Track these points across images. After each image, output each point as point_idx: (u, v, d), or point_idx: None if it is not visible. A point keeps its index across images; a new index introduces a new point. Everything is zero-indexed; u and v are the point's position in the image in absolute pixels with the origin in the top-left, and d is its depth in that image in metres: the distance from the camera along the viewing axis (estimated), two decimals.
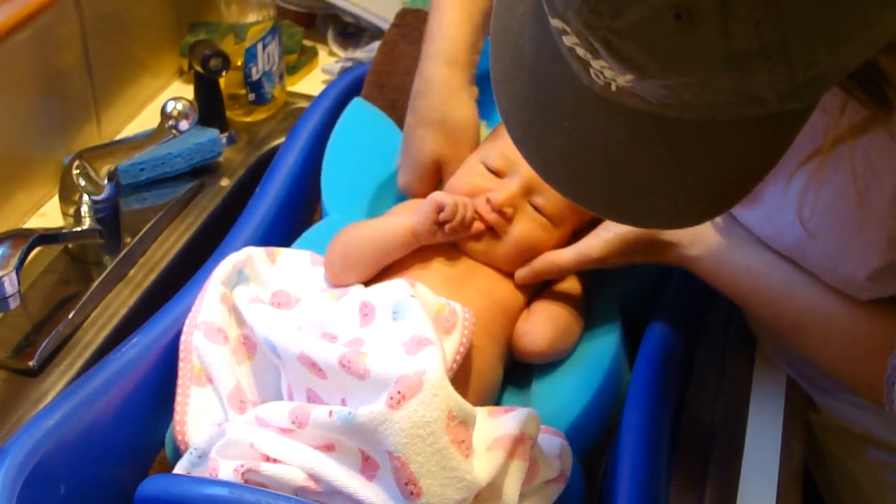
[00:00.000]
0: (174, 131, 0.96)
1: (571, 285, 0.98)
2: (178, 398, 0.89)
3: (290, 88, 1.37)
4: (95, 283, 1.03)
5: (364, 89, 1.20)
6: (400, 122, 1.10)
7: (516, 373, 0.95)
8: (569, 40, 0.56)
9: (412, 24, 1.22)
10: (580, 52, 0.56)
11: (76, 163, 1.00)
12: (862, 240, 0.79)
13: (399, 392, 0.74)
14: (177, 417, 0.88)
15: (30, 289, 1.02)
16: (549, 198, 0.96)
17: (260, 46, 1.25)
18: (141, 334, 0.91)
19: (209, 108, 1.23)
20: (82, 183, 1.01)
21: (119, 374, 0.88)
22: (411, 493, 0.74)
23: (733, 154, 0.59)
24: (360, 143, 1.12)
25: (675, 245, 0.90)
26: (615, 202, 0.63)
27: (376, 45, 1.28)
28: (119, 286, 1.06)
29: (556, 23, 0.56)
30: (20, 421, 0.89)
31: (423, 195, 0.99)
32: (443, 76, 1.04)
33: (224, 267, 0.95)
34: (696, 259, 0.90)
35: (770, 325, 0.95)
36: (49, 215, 1.13)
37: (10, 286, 0.90)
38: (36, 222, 1.13)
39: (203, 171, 1.20)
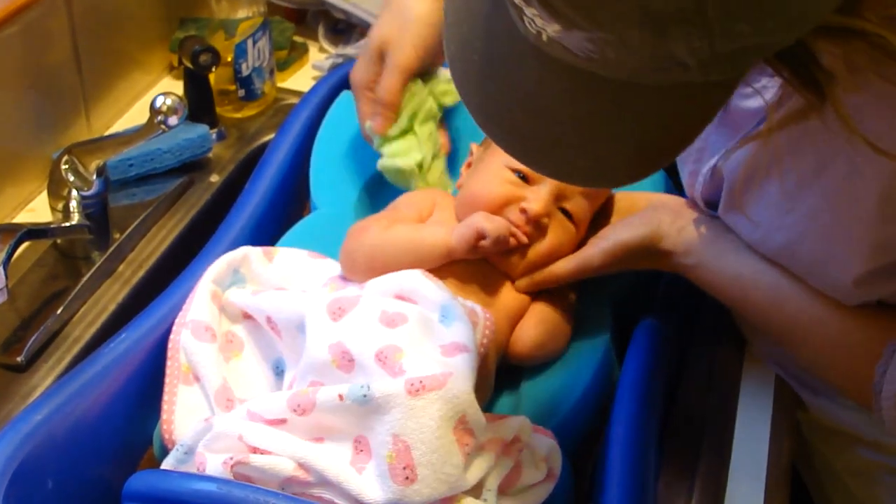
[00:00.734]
0: (163, 127, 0.96)
1: (564, 288, 0.98)
2: (166, 396, 0.89)
3: (281, 84, 1.36)
4: (84, 279, 1.03)
5: None
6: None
7: (506, 371, 0.95)
8: None
9: None
10: None
11: (65, 158, 1.00)
12: (847, 245, 0.79)
13: (421, 382, 0.76)
14: (164, 416, 0.88)
15: (18, 284, 1.02)
16: (577, 201, 0.95)
17: (250, 42, 1.25)
18: (129, 330, 0.91)
19: (199, 103, 1.22)
20: (71, 178, 1.01)
21: (107, 370, 0.88)
22: (406, 479, 0.74)
23: (657, 119, 0.60)
24: (349, 137, 1.11)
25: (671, 254, 0.91)
26: (541, 153, 0.64)
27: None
28: (108, 282, 1.06)
29: None
30: (8, 416, 0.89)
31: (363, 83, 1.01)
32: None
33: (218, 265, 0.95)
34: (691, 267, 0.91)
35: (761, 330, 0.96)
36: (38, 210, 1.13)
37: None
38: (24, 217, 1.12)
39: (192, 167, 1.20)
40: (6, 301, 0.93)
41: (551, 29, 0.56)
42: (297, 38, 1.43)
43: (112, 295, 1.04)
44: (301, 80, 1.39)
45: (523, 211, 0.93)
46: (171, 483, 0.76)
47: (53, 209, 1.03)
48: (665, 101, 0.58)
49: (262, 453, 0.77)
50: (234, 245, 1.01)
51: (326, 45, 1.44)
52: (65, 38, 1.16)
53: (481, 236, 0.90)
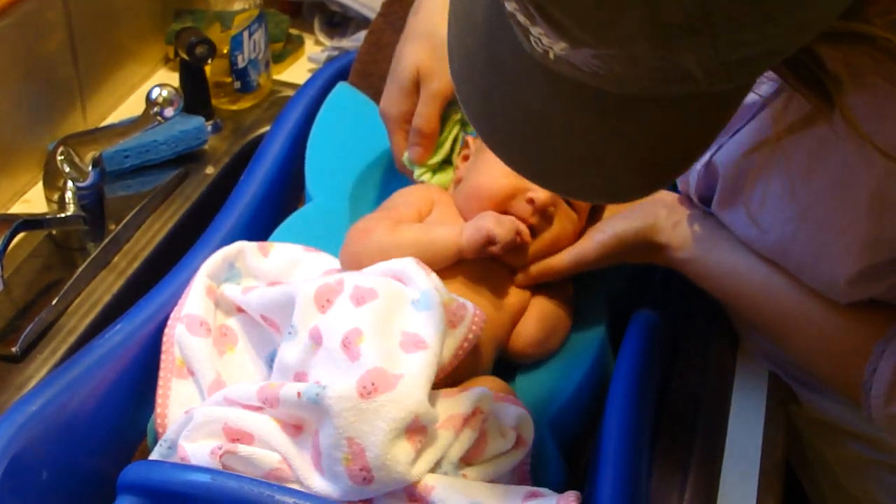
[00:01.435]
0: (159, 118, 0.96)
1: (562, 283, 0.98)
2: (160, 390, 0.89)
3: (276, 77, 1.36)
4: (79, 270, 1.03)
5: (350, 77, 1.20)
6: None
7: (502, 364, 0.95)
8: (510, 6, 0.56)
9: (398, 13, 1.22)
10: (520, 18, 0.56)
11: (60, 149, 1.00)
12: (839, 244, 0.79)
13: (373, 384, 0.75)
14: (158, 409, 0.88)
15: (13, 275, 1.02)
16: None
17: (246, 34, 1.25)
18: (124, 321, 0.91)
19: (195, 95, 1.22)
20: (67, 169, 1.01)
21: (102, 361, 0.88)
22: (364, 479, 0.75)
23: (666, 131, 0.59)
24: (345, 128, 1.11)
25: (666, 248, 0.92)
26: (550, 171, 0.63)
27: (363, 34, 1.28)
28: (103, 273, 1.06)
29: None
30: (3, 407, 0.88)
31: (399, 115, 0.99)
32: None
33: (213, 260, 0.95)
34: (685, 262, 0.91)
35: (754, 326, 0.97)
36: (33, 202, 1.13)
37: None
38: (19, 209, 1.12)
39: (188, 159, 1.20)
40: (1, 292, 0.93)
41: (558, 47, 0.55)
42: (293, 31, 1.43)
43: (107, 286, 1.04)
44: (297, 72, 1.39)
45: (530, 201, 0.93)
46: (165, 474, 0.76)
47: (49, 200, 1.03)
48: (673, 113, 0.58)
49: (245, 443, 0.78)
50: (230, 237, 1.01)
51: (322, 38, 1.44)
52: (61, 29, 1.16)
53: (491, 241, 0.90)
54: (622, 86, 0.56)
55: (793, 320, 0.87)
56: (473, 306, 0.87)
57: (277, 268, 0.97)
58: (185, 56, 1.19)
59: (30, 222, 0.96)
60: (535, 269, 0.96)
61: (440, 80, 0.99)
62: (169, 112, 0.96)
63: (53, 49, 1.16)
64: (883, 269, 0.78)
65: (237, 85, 1.28)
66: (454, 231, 0.92)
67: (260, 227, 1.05)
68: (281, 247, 0.99)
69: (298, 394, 0.77)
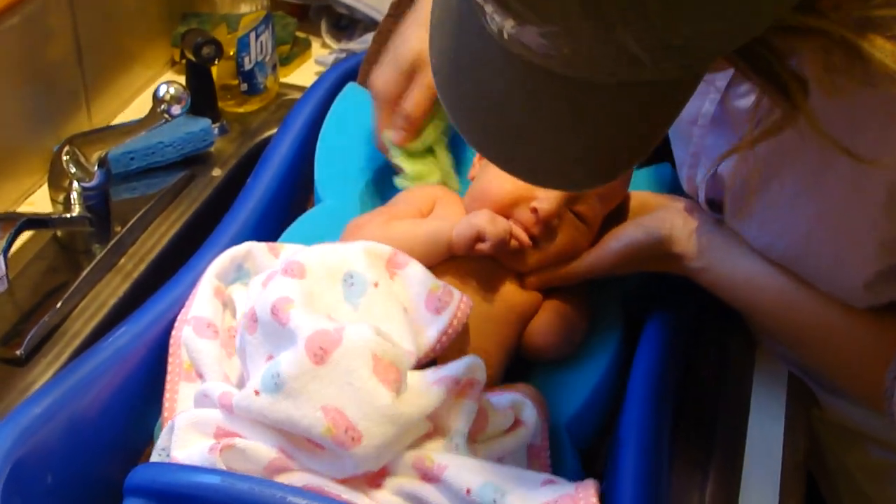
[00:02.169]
0: (166, 116, 0.94)
1: (576, 285, 0.96)
2: (167, 394, 0.87)
3: (283, 80, 1.35)
4: (85, 272, 1.01)
5: (358, 78, 1.17)
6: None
7: (518, 366, 0.93)
8: None
9: (407, 14, 1.20)
10: None
11: (66, 148, 0.98)
12: (854, 246, 0.78)
13: (321, 348, 0.75)
14: (165, 413, 0.86)
15: (18, 277, 1.00)
16: (590, 204, 0.93)
17: (253, 36, 1.23)
18: (130, 323, 0.89)
19: (201, 97, 1.21)
20: (72, 170, 0.99)
21: (107, 364, 0.85)
22: (352, 440, 0.73)
23: (616, 120, 0.60)
24: (354, 128, 1.09)
25: (681, 257, 0.90)
26: (507, 153, 0.64)
27: (370, 36, 1.26)
28: (109, 275, 1.04)
29: None
30: (6, 410, 0.86)
31: (390, 95, 0.99)
32: None
33: (221, 260, 0.94)
34: (701, 271, 0.89)
35: (772, 334, 0.95)
36: (37, 204, 1.11)
37: None
38: (24, 210, 1.10)
39: (194, 161, 1.18)
40: (5, 294, 0.92)
41: (508, 25, 0.56)
42: (300, 34, 1.42)
43: (112, 289, 1.03)
44: (304, 75, 1.37)
45: (534, 210, 0.91)
46: (174, 476, 0.74)
47: (54, 201, 1.02)
48: (624, 100, 0.58)
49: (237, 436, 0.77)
50: (237, 238, 0.99)
51: (329, 41, 1.43)
52: (66, 31, 1.14)
53: (481, 238, 0.88)
54: (572, 68, 0.56)
55: (811, 328, 0.85)
56: (461, 293, 0.85)
57: None
58: (191, 57, 1.17)
59: (34, 221, 0.95)
60: (550, 272, 0.94)
61: None
62: (176, 110, 0.94)
63: (58, 51, 1.14)
64: None
65: (244, 87, 1.27)
66: (446, 226, 0.91)
67: (269, 229, 1.04)
68: (291, 248, 0.97)
69: (256, 391, 0.76)
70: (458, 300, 0.85)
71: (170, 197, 1.13)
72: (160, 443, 0.81)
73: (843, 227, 0.77)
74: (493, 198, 0.93)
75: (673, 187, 1.04)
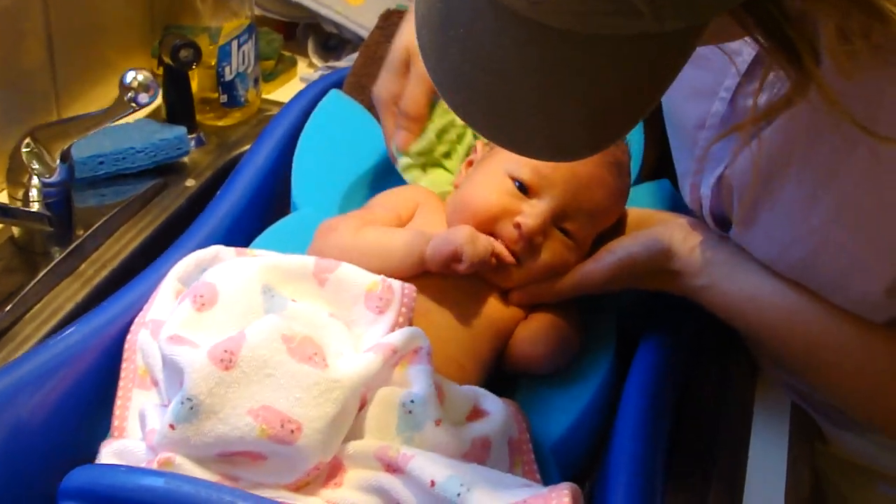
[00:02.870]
0: (133, 105, 0.88)
1: (565, 302, 0.90)
2: (119, 401, 0.80)
3: (267, 96, 1.30)
4: (40, 275, 0.94)
5: (344, 90, 1.13)
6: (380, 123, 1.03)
7: (500, 386, 0.86)
8: None
9: (396, 25, 1.15)
10: None
11: (26, 141, 0.92)
12: (874, 248, 0.72)
13: (226, 351, 0.70)
14: (115, 422, 0.79)
15: None
16: (580, 221, 0.87)
17: (235, 45, 1.18)
18: (82, 324, 0.82)
19: (178, 104, 1.16)
20: (33, 164, 0.93)
21: (54, 364, 0.78)
22: (292, 432, 0.67)
23: (613, 76, 0.56)
24: (336, 135, 1.04)
25: (681, 274, 0.84)
26: (498, 118, 0.60)
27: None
28: (67, 280, 0.97)
29: None
30: None
31: (389, 97, 0.96)
32: None
33: (185, 263, 0.87)
34: (702, 289, 0.84)
35: (779, 358, 0.89)
36: None
37: None
38: None
39: (168, 170, 1.12)
40: None
41: None
42: (286, 52, 1.37)
43: (70, 294, 0.96)
44: (288, 92, 1.31)
45: (517, 226, 0.85)
46: (114, 478, 0.67)
47: (12, 198, 0.95)
48: (621, 55, 0.55)
49: None
50: (207, 244, 0.92)
51: (316, 60, 1.38)
52: (39, 41, 1.09)
53: (457, 258, 0.82)
54: (564, 19, 0.53)
55: (823, 347, 0.80)
56: (401, 284, 0.80)
57: None
58: (168, 60, 1.12)
59: None
60: (535, 287, 0.88)
61: None
62: (144, 98, 0.88)
63: (31, 62, 1.09)
64: None
65: (224, 99, 1.21)
66: (420, 238, 0.85)
67: (240, 236, 0.97)
68: (262, 253, 0.90)
69: (172, 426, 0.69)
70: (401, 294, 0.79)
71: (139, 204, 1.07)
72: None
73: (861, 225, 0.72)
74: (475, 210, 0.87)
75: (673, 205, 0.98)
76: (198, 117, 1.20)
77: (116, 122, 0.95)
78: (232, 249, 0.89)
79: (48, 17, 1.10)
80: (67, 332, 0.81)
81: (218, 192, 1.02)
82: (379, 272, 0.82)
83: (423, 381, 0.74)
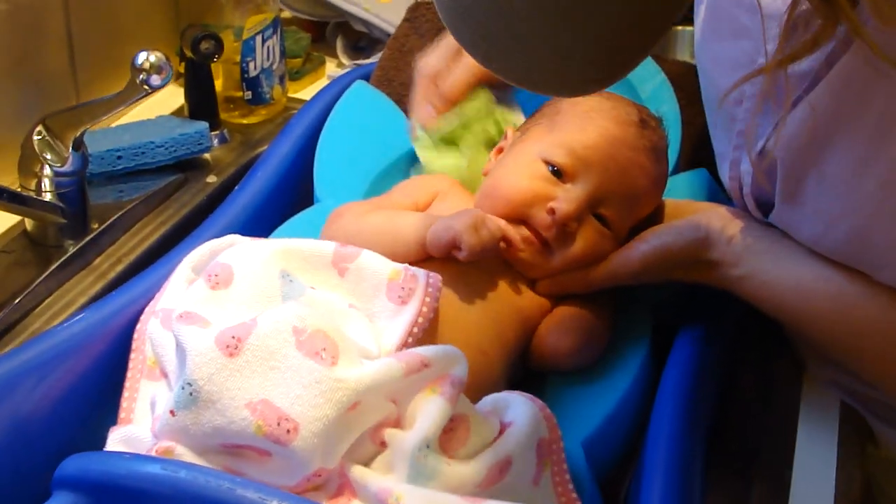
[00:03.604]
0: (146, 87, 0.84)
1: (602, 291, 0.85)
2: (126, 392, 0.76)
3: (294, 94, 1.27)
4: (52, 268, 0.92)
5: (371, 83, 1.09)
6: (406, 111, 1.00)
7: (528, 383, 0.82)
8: None
9: (425, 17, 1.13)
10: None
11: (38, 128, 0.89)
12: None
13: (233, 337, 0.66)
14: (122, 414, 0.75)
15: None
16: (616, 208, 0.83)
17: (259, 39, 1.15)
18: (90, 311, 0.79)
19: (200, 100, 1.13)
20: (45, 153, 0.90)
21: (60, 355, 0.75)
22: (288, 432, 0.62)
23: (621, 8, 0.55)
24: (360, 127, 1.01)
25: (718, 264, 0.80)
26: (505, 50, 0.59)
27: None
28: (81, 274, 0.95)
29: None
30: None
31: (432, 73, 0.96)
32: None
33: (199, 251, 0.84)
34: (741, 279, 0.80)
35: (824, 347, 0.84)
36: None
37: None
38: None
39: (189, 166, 1.10)
40: None
41: None
42: (315, 52, 1.34)
43: (84, 288, 0.93)
44: (315, 91, 1.28)
45: (551, 211, 0.81)
46: (110, 464, 0.63)
47: (24, 189, 0.93)
48: None
49: None
50: (224, 234, 0.89)
51: (344, 59, 1.35)
52: (61, 41, 1.08)
53: (456, 245, 0.78)
54: None
55: (870, 336, 0.75)
56: (425, 273, 0.76)
57: None
58: (189, 53, 1.09)
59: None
60: (565, 277, 0.84)
61: None
62: (156, 80, 0.84)
63: (53, 60, 1.08)
64: None
65: (248, 96, 1.18)
66: (422, 224, 0.81)
67: (260, 229, 0.94)
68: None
69: (172, 412, 0.65)
70: (425, 283, 0.75)
71: (158, 199, 1.04)
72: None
73: None
74: (507, 196, 0.83)
75: (711, 195, 0.93)
76: (223, 116, 1.18)
77: (136, 119, 0.93)
78: (248, 239, 0.86)
79: (69, 18, 1.09)
80: (73, 320, 0.78)
81: (238, 185, 0.99)
82: (387, 255, 0.79)
83: (430, 420, 0.67)
